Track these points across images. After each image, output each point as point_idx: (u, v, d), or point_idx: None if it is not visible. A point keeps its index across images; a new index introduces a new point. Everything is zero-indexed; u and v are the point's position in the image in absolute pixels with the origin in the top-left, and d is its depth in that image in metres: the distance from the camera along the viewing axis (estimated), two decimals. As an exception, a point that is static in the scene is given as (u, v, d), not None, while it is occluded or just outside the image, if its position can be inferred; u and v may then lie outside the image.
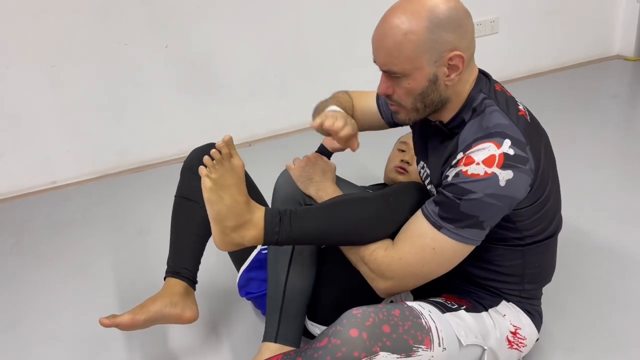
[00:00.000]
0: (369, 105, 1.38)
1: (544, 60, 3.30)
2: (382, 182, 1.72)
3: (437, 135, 1.15)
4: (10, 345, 1.57)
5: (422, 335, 0.99)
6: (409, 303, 1.06)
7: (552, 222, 1.12)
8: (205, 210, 1.33)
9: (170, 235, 1.39)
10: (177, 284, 1.33)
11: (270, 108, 2.82)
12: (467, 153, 1.01)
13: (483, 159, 0.98)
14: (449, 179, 1.02)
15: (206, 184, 1.03)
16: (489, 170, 0.97)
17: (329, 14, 2.74)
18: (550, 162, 1.09)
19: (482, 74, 1.11)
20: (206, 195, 1.04)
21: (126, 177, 2.60)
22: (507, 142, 0.99)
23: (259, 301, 1.47)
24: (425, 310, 1.05)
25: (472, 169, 0.98)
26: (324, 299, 1.29)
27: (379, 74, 1.10)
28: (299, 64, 2.79)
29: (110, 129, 2.59)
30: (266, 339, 1.25)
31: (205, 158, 1.03)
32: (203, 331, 1.52)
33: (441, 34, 0.97)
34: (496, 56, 3.15)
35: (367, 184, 1.59)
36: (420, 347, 0.98)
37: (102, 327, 1.22)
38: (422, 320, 1.01)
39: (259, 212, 1.08)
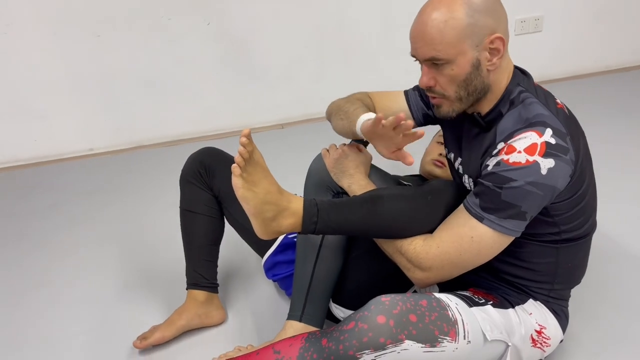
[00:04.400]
0: (396, 105, 1.34)
1: (588, 62, 3.22)
2: (417, 173, 1.72)
3: (471, 129, 1.15)
4: (39, 305, 1.64)
5: (448, 327, 0.99)
6: (437, 294, 1.06)
7: (588, 219, 1.12)
8: (208, 219, 1.43)
9: (184, 249, 1.46)
10: (199, 294, 1.43)
11: (306, 91, 2.83)
12: (508, 142, 1.02)
13: (525, 147, 0.99)
14: (489, 168, 1.03)
15: (237, 183, 1.02)
16: (531, 159, 0.98)
17: (370, 1, 2.73)
18: (587, 158, 1.09)
19: (520, 70, 1.12)
20: (240, 194, 1.02)
21: (161, 150, 2.65)
22: (549, 131, 0.99)
23: (285, 282, 1.49)
24: (453, 302, 1.05)
25: (513, 157, 0.99)
26: (351, 283, 1.31)
27: (417, 64, 1.10)
28: (338, 49, 2.78)
29: (149, 101, 2.64)
30: (291, 317, 1.28)
31: (237, 158, 1.00)
32: (227, 310, 1.55)
33: (480, 19, 1.00)
34: (539, 55, 3.09)
35: (401, 174, 1.59)
36: (446, 339, 0.98)
37: (137, 348, 1.38)
38: (449, 312, 1.02)
39: (296, 202, 1.09)
